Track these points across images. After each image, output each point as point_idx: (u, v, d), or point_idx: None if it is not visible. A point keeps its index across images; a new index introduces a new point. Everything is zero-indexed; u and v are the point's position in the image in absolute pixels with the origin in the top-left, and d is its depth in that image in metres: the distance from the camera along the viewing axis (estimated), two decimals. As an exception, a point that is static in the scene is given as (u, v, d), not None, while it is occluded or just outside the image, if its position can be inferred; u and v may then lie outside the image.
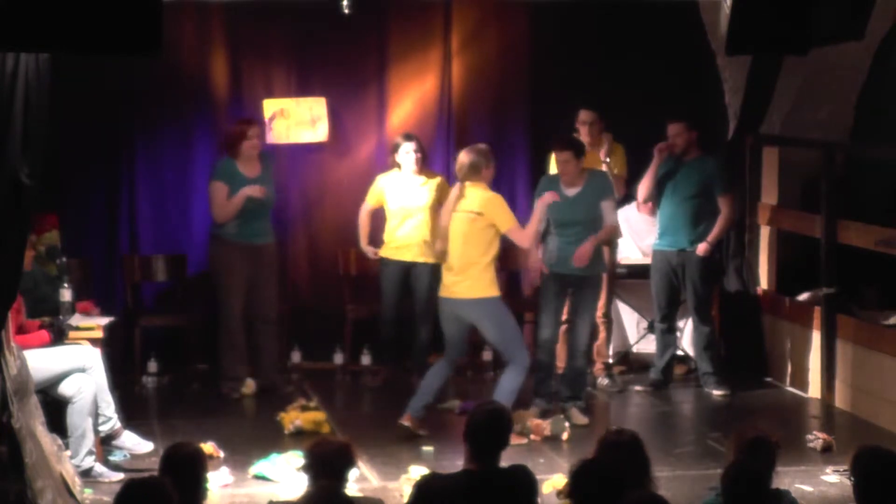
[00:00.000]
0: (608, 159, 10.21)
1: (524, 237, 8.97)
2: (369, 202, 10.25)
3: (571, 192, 9.21)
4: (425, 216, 10.07)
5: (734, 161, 10.78)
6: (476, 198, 8.80)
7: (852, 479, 5.42)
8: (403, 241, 10.11)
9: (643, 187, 10.18)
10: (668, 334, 10.30)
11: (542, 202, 9.10)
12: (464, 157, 8.90)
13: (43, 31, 5.67)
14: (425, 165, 10.20)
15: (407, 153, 10.08)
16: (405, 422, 8.89)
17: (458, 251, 8.82)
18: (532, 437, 8.87)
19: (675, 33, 10.47)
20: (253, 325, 10.04)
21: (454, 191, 8.95)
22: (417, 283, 10.16)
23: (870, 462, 5.37)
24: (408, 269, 10.15)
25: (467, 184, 8.85)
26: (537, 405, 9.26)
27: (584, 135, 10.12)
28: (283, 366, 10.59)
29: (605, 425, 9.01)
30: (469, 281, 8.78)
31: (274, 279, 10.17)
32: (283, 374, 10.37)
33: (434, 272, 10.08)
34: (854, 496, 5.37)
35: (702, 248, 10.04)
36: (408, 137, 10.18)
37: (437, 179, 10.18)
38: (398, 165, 10.13)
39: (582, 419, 9.26)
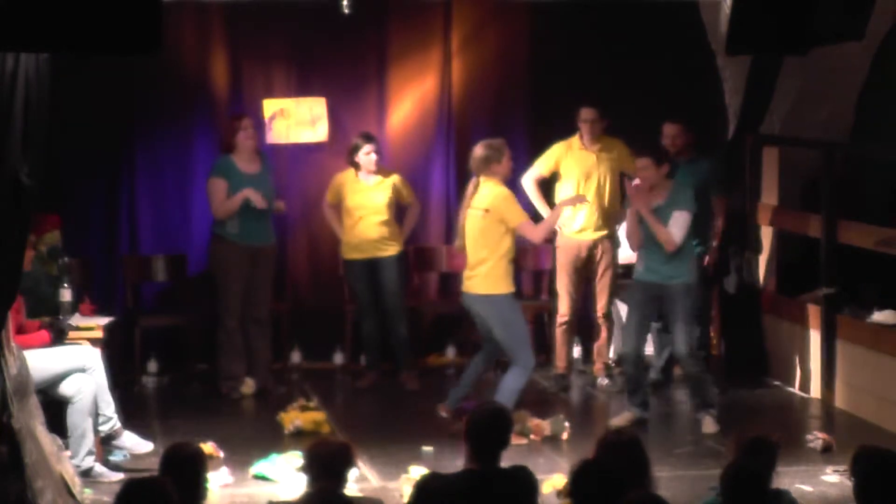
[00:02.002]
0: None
1: (535, 232, 8.93)
2: (329, 199, 10.31)
3: (653, 204, 8.99)
4: (382, 215, 10.14)
5: (734, 161, 10.77)
6: (486, 194, 8.75)
7: (852, 479, 5.42)
8: (361, 237, 10.16)
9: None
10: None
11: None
12: (477, 151, 8.85)
13: (43, 31, 5.66)
14: (381, 165, 10.25)
15: (367, 154, 10.13)
16: (442, 412, 8.95)
17: (471, 247, 8.80)
18: (532, 437, 8.86)
19: (675, 33, 10.46)
20: (245, 327, 10.04)
21: (469, 186, 8.90)
22: (384, 277, 10.19)
23: (870, 462, 5.37)
24: (372, 264, 10.19)
25: (481, 179, 8.80)
26: (631, 412, 9.15)
27: (585, 133, 10.11)
28: (281, 366, 10.59)
29: (604, 425, 9.02)
30: (479, 277, 8.76)
31: (269, 281, 10.18)
32: (276, 375, 10.32)
33: (399, 263, 10.12)
34: (854, 496, 5.36)
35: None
36: (367, 139, 10.22)
37: (393, 178, 10.25)
38: (356, 166, 10.16)
39: (711, 427, 9.03)
